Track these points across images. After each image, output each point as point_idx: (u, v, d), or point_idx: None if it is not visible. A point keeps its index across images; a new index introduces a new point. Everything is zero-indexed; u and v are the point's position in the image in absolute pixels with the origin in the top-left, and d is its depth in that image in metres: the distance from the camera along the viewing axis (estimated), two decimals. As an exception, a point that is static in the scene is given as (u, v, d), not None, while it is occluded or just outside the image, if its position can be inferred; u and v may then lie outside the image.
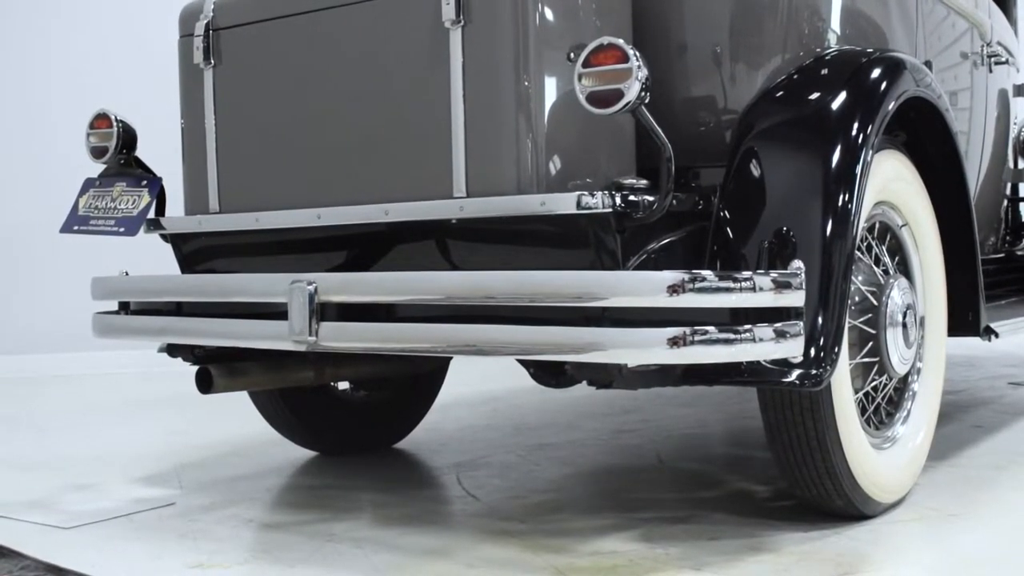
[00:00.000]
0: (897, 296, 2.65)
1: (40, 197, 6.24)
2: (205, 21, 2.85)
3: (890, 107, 2.56)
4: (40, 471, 3.53)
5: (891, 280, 2.66)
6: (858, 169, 2.41)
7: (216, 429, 4.18)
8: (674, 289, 2.09)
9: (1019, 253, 4.14)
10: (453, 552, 2.47)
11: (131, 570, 2.41)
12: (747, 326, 2.15)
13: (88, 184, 3.04)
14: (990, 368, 5.50)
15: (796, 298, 2.25)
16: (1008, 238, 4.18)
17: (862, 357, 2.60)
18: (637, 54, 2.17)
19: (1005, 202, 4.16)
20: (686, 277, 2.09)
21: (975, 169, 3.65)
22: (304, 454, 3.59)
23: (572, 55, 2.33)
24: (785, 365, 2.25)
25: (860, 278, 2.59)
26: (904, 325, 2.66)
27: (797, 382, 2.25)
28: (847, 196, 2.37)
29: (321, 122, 2.65)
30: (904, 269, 2.80)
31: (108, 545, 2.60)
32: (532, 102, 2.33)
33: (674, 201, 2.30)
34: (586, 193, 2.22)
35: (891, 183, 2.68)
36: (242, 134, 2.82)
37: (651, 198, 2.26)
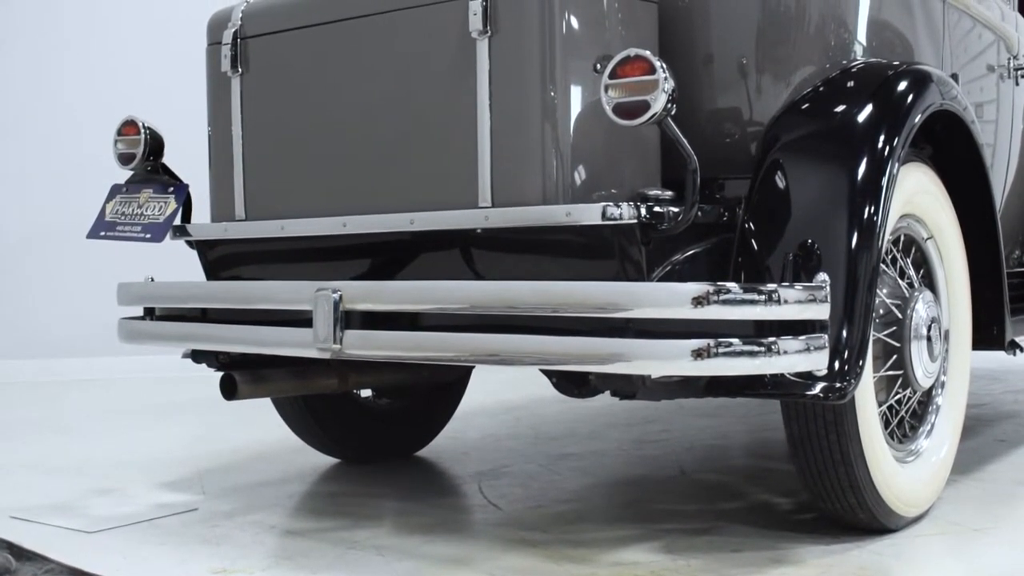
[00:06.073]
0: (922, 309, 2.64)
1: (65, 202, 6.27)
2: (233, 30, 2.87)
3: (916, 120, 2.56)
4: (64, 475, 3.55)
5: (916, 293, 2.66)
6: (884, 182, 2.40)
7: (239, 435, 4.20)
8: (699, 301, 2.09)
9: (1044, 267, 4.12)
10: (474, 561, 2.47)
11: (155, 575, 2.42)
12: (771, 338, 2.15)
13: (115, 190, 3.06)
14: (1014, 382, 5.47)
15: (821, 311, 2.25)
16: (1033, 252, 4.16)
17: (886, 370, 2.59)
18: (664, 65, 2.18)
19: (1030, 216, 4.14)
20: (711, 289, 2.10)
21: (1001, 182, 3.63)
22: (326, 461, 3.60)
23: (599, 66, 2.33)
24: (809, 378, 2.25)
25: (885, 291, 2.58)
26: (929, 338, 2.65)
27: (821, 395, 2.24)
28: (872, 209, 2.37)
29: (347, 131, 2.67)
30: (929, 282, 2.80)
31: (132, 549, 2.61)
32: (558, 113, 2.33)
33: (699, 213, 2.30)
34: (611, 204, 2.23)
35: (917, 196, 2.67)
36: (269, 142, 2.84)
37: (676, 209, 2.27)
